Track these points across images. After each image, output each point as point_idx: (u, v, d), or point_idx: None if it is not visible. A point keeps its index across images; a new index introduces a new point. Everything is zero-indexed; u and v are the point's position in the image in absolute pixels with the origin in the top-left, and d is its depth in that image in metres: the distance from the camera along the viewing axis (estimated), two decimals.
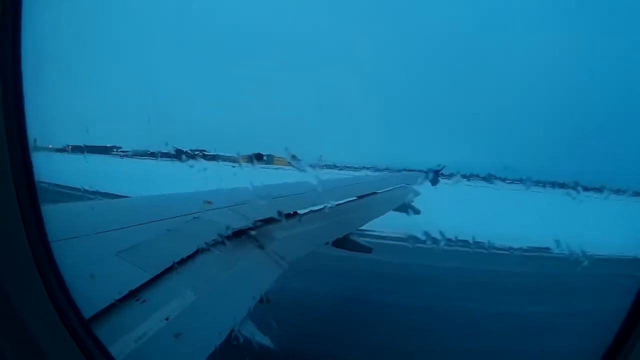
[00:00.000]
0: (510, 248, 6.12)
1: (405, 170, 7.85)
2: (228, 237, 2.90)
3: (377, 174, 7.55)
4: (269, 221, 3.42)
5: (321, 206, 4.07)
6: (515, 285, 7.14)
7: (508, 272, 7.20)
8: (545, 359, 4.44)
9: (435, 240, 4.36)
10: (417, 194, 6.79)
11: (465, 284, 7.24)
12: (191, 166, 3.49)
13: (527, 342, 5.14)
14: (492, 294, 6.95)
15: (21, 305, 1.05)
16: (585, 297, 6.09)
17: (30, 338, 1.04)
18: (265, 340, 2.20)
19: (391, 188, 6.67)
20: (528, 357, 4.68)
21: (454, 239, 4.32)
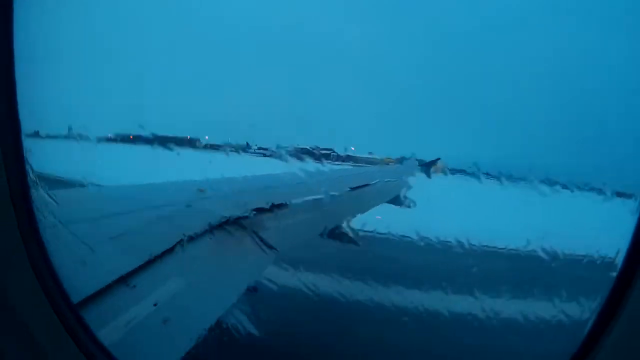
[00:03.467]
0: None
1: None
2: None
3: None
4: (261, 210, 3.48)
5: (314, 197, 4.11)
6: None
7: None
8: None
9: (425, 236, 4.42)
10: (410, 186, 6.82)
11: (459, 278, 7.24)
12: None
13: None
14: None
15: (10, 289, 1.09)
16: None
17: (19, 322, 1.09)
18: (251, 327, 2.28)
19: (385, 180, 6.71)
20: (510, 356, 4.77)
21: (443, 237, 4.39)
